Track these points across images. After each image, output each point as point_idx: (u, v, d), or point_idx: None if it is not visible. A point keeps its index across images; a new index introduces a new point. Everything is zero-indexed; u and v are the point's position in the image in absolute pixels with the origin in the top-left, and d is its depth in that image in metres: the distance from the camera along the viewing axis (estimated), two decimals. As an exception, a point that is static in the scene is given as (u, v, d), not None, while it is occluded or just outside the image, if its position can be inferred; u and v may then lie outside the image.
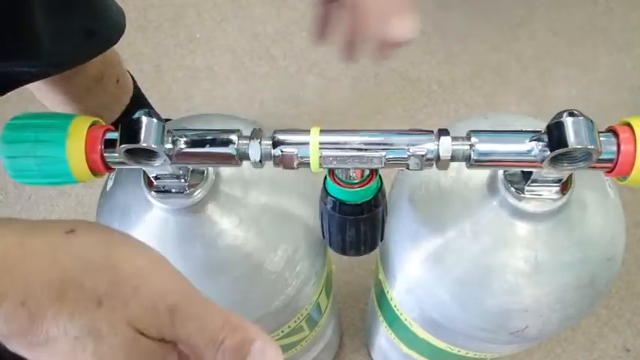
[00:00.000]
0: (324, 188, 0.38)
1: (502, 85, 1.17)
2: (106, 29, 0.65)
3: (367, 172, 0.37)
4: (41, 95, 0.75)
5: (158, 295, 0.26)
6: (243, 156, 0.36)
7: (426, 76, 1.18)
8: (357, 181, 0.37)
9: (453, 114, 1.14)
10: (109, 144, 0.36)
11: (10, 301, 0.24)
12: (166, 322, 0.26)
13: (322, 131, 0.35)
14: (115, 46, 0.69)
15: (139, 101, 0.88)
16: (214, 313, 0.27)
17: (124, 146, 0.33)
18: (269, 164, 0.36)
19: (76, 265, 0.25)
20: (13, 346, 0.25)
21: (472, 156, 0.35)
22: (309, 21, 0.43)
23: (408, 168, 0.35)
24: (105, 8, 0.64)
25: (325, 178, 0.38)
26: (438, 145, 0.34)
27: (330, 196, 0.38)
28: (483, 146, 0.34)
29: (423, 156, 0.34)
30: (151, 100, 0.98)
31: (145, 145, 0.33)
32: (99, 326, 0.24)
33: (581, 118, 0.32)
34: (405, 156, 0.35)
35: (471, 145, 0.35)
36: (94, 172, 0.37)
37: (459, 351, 0.53)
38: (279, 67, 1.19)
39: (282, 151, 0.35)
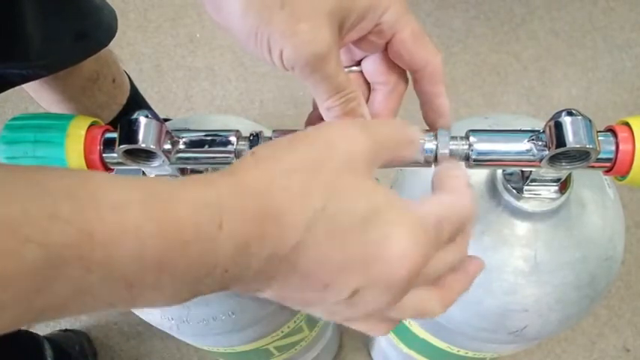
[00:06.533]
0: None
1: (502, 85, 1.17)
2: (97, 31, 0.65)
3: None
4: (37, 96, 0.75)
5: (346, 129, 0.27)
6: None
7: (426, 76, 1.18)
8: None
9: (453, 114, 1.14)
10: (108, 144, 0.36)
11: (254, 220, 0.23)
12: (366, 140, 0.26)
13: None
14: (115, 46, 0.69)
15: (136, 101, 0.88)
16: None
17: (123, 147, 0.33)
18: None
19: (275, 162, 0.25)
20: (274, 274, 0.24)
21: (471, 155, 0.35)
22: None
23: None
24: (96, 10, 0.64)
25: None
26: (436, 144, 0.34)
27: None
28: (482, 145, 0.34)
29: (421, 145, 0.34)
30: (150, 100, 0.98)
31: (143, 145, 0.33)
32: (331, 186, 0.24)
33: (580, 117, 0.32)
34: None
35: (470, 145, 0.35)
36: (93, 173, 0.37)
37: (458, 351, 0.53)
38: (279, 67, 1.19)
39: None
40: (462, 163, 0.33)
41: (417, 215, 0.26)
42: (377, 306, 0.26)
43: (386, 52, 0.35)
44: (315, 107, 0.39)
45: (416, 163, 0.35)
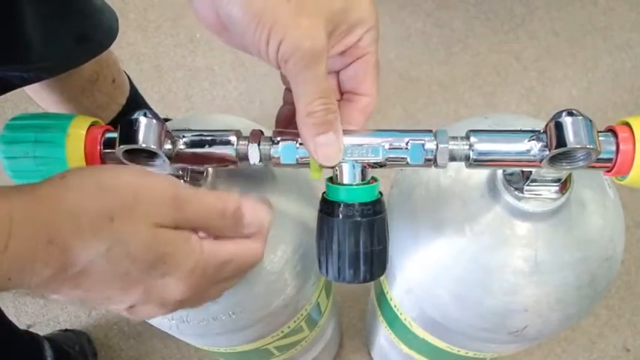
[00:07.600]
0: (329, 201, 0.35)
1: (502, 85, 1.17)
2: (98, 34, 0.65)
3: (369, 177, 0.36)
4: (36, 96, 0.75)
5: (157, 190, 0.29)
6: (243, 157, 0.36)
7: (426, 76, 1.18)
8: (359, 182, 0.36)
9: (453, 114, 1.14)
10: (109, 144, 0.36)
11: (40, 245, 0.25)
12: (173, 209, 0.29)
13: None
14: (115, 46, 0.69)
15: (135, 101, 0.88)
16: (207, 194, 0.31)
17: (123, 147, 0.33)
18: (268, 164, 0.36)
19: (78, 197, 0.27)
20: (56, 289, 0.27)
21: (471, 155, 0.35)
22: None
23: (407, 163, 0.35)
24: (97, 13, 0.64)
25: (324, 192, 0.36)
26: (436, 144, 0.34)
27: (339, 203, 0.35)
28: (482, 146, 0.34)
29: (422, 146, 0.34)
30: (150, 100, 0.98)
31: (144, 145, 0.33)
32: (121, 234, 0.27)
33: (580, 117, 0.32)
34: (405, 146, 0.34)
35: (470, 145, 0.35)
36: (94, 173, 0.37)
37: (458, 351, 0.53)
38: (279, 67, 1.19)
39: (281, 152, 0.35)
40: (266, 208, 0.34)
41: (202, 257, 0.30)
42: (153, 314, 0.31)
43: (337, 74, 0.37)
44: (286, 102, 0.40)
45: (416, 164, 0.35)
